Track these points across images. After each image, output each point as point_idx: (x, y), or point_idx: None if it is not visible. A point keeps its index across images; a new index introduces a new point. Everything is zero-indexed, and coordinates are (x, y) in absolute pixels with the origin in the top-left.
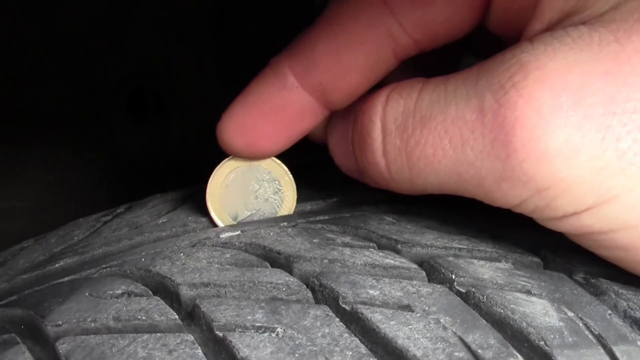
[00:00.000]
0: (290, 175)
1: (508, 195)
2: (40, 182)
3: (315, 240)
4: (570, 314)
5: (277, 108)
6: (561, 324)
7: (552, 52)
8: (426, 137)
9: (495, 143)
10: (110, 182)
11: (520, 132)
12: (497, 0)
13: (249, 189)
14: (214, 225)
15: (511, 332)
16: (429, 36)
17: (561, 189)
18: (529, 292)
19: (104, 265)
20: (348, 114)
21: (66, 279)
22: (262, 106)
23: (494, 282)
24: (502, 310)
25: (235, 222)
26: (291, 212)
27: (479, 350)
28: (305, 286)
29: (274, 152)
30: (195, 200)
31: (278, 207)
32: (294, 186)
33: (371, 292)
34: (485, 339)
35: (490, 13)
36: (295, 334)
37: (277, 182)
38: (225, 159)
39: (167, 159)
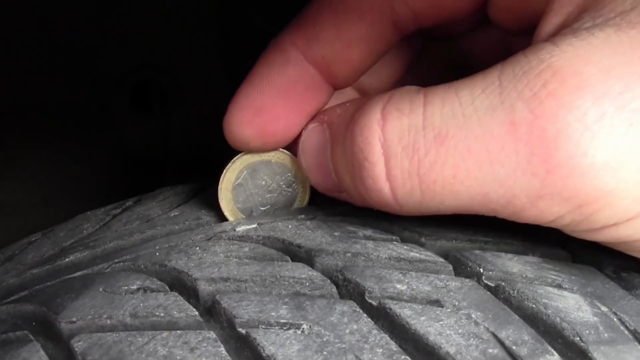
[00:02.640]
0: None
1: (544, 212)
2: (44, 175)
3: (336, 234)
4: (604, 308)
5: (284, 85)
6: (595, 319)
7: (585, 55)
8: (444, 158)
9: (533, 159)
10: (113, 174)
11: (564, 145)
12: None
13: (261, 184)
14: None
15: (544, 327)
16: (428, 9)
17: (605, 202)
18: (560, 286)
19: (116, 260)
20: (321, 128)
21: (78, 273)
22: (268, 86)
23: (524, 275)
24: (534, 305)
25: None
26: (306, 203)
27: (514, 347)
28: (329, 281)
29: (284, 137)
30: (206, 193)
31: (293, 199)
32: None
33: (398, 286)
34: (519, 334)
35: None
36: (322, 331)
37: (289, 174)
38: (234, 158)
39: (170, 151)
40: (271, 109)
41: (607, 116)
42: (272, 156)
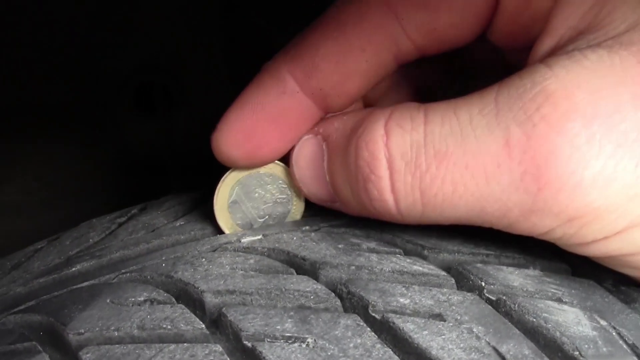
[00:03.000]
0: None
1: (536, 225)
2: (46, 176)
3: (340, 246)
4: (603, 322)
5: (277, 114)
6: (595, 333)
7: (576, 78)
8: (444, 174)
9: (525, 177)
10: (116, 175)
11: (554, 165)
12: (503, 10)
13: (255, 197)
14: None
15: (544, 341)
16: (431, 42)
17: (593, 217)
18: (560, 300)
19: (123, 270)
20: (316, 140)
21: (85, 284)
22: (261, 113)
23: (525, 289)
24: (534, 319)
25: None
26: (303, 208)
27: None
28: (333, 294)
29: (272, 160)
30: (210, 203)
31: (288, 205)
32: None
33: (401, 300)
34: (519, 349)
35: (494, 22)
36: (327, 345)
37: (280, 181)
38: (224, 176)
39: (174, 153)
40: (262, 135)
41: (595, 138)
42: (260, 168)
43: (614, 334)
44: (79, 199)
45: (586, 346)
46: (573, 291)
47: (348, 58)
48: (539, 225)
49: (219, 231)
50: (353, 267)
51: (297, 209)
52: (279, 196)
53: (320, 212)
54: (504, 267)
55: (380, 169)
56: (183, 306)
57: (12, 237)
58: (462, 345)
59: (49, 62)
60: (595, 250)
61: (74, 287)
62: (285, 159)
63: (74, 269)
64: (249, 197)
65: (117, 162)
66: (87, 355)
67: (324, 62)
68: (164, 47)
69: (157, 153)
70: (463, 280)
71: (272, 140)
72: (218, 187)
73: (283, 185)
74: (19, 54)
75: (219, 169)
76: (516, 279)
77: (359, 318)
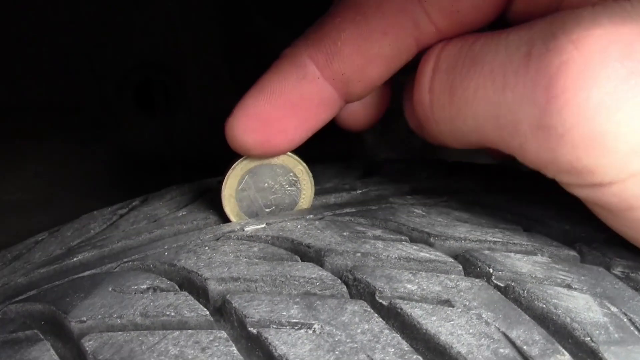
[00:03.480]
0: (304, 164)
1: (543, 147)
2: (47, 174)
3: (345, 233)
4: (614, 309)
5: (296, 100)
6: (605, 319)
7: (611, 11)
8: (471, 76)
9: (537, 88)
10: (116, 174)
11: (563, 76)
12: None
13: (264, 187)
14: None
15: (554, 327)
16: (453, 25)
17: (601, 147)
18: (569, 287)
19: (125, 259)
20: None
21: (86, 273)
22: (280, 99)
23: (533, 276)
24: (544, 305)
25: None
26: (311, 201)
27: (525, 347)
28: (339, 281)
29: (288, 148)
30: (213, 193)
31: (297, 197)
32: (310, 174)
33: (409, 286)
34: (529, 334)
35: (514, 2)
36: (334, 331)
37: (291, 174)
38: (235, 163)
39: (174, 151)
40: (279, 122)
41: (611, 58)
42: (273, 159)
43: (625, 320)
44: (80, 197)
45: (597, 332)
46: (582, 278)
47: (370, 41)
48: (545, 147)
49: (224, 219)
50: (359, 254)
51: (305, 202)
52: (288, 188)
53: (324, 203)
54: (512, 254)
55: (426, 68)
56: (186, 293)
57: (13, 236)
58: (471, 330)
59: (49, 61)
60: (611, 196)
61: (76, 276)
62: (300, 151)
63: (75, 259)
64: (257, 187)
65: (118, 160)
66: (90, 342)
67: (347, 46)
68: (164, 45)
69: (158, 151)
70: (470, 267)
71: (289, 128)
72: (228, 174)
73: (294, 178)
74: (19, 54)
75: (219, 166)
76: (524, 265)
77: (365, 304)
